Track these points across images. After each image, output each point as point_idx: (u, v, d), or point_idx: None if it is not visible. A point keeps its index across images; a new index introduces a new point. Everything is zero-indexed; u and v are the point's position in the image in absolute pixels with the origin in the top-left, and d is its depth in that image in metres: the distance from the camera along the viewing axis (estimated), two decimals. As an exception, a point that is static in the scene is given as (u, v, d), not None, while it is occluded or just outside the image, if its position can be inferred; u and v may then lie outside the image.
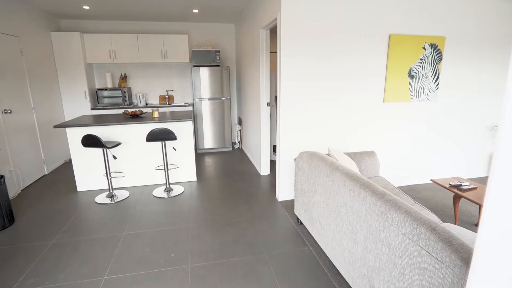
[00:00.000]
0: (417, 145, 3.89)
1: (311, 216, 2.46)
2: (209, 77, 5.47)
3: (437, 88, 3.73)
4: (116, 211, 3.25)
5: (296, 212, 2.84)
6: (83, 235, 2.78)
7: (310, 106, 3.31)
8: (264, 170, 4.40)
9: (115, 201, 3.50)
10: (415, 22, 3.44)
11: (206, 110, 5.61)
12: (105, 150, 3.48)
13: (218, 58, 5.54)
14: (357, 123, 3.54)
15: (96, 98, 5.44)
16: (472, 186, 2.78)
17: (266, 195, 3.66)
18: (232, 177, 4.30)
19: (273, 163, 4.81)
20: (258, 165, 4.51)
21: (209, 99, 5.57)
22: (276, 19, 3.25)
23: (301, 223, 2.93)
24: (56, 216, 3.16)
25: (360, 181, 1.79)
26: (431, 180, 3.02)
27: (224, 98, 5.63)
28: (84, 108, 5.26)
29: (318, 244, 2.58)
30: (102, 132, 3.74)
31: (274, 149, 5.04)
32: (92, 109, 5.30)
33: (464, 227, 2.88)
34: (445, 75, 3.73)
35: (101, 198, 3.57)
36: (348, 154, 2.97)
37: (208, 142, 5.76)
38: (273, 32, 5.86)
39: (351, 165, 2.58)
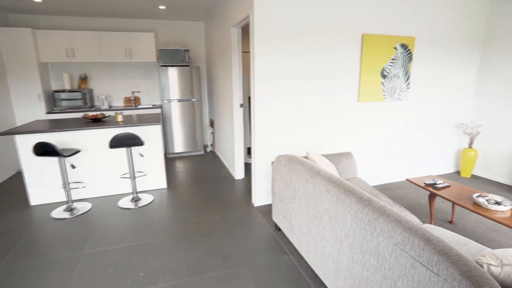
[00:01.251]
0: (390, 144, 3.92)
1: (291, 223, 2.34)
2: (178, 77, 5.20)
3: (408, 87, 3.79)
4: (76, 227, 2.92)
5: (274, 218, 2.71)
6: (35, 257, 2.44)
7: (286, 107, 3.19)
8: (239, 174, 4.23)
9: (75, 215, 3.15)
10: (386, 22, 3.45)
11: (175, 112, 5.33)
12: (61, 159, 3.12)
13: (187, 57, 5.29)
14: (333, 123, 3.49)
15: (52, 100, 4.96)
16: (445, 184, 2.81)
17: (241, 200, 3.49)
18: (205, 183, 4.08)
19: (248, 166, 4.65)
20: (232, 168, 4.33)
21: (179, 100, 5.29)
22: (248, 17, 3.10)
23: (280, 229, 2.80)
24: (3, 236, 2.77)
25: (344, 186, 1.68)
26: (406, 179, 3.03)
27: (194, 100, 5.39)
28: (38, 112, 4.77)
29: (298, 252, 2.46)
30: (58, 138, 3.37)
31: (248, 151, 4.89)
32: (48, 112, 4.82)
33: (439, 225, 2.91)
34: (415, 75, 3.80)
35: (58, 213, 3.20)
36: (326, 156, 2.89)
37: (179, 146, 5.48)
38: (245, 31, 5.71)
39: (331, 168, 2.49)
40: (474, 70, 4.23)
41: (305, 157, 2.61)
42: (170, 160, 5.28)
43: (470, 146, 4.24)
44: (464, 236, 2.72)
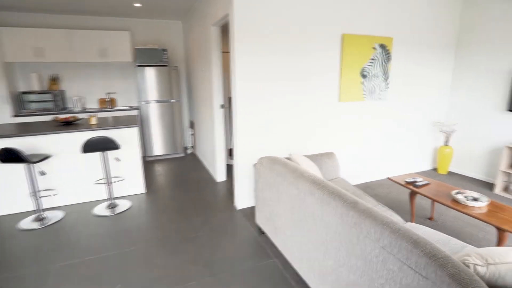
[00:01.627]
0: (371, 144, 3.96)
1: (275, 226, 2.28)
2: (156, 77, 5.04)
3: (388, 87, 3.84)
4: (47, 238, 2.73)
5: (258, 221, 2.65)
6: (1, 273, 2.25)
7: (268, 108, 3.14)
8: (220, 176, 4.14)
9: (46, 224, 2.95)
10: (365, 23, 3.48)
11: (154, 114, 5.16)
12: (29, 165, 2.92)
13: (165, 57, 5.13)
14: (315, 123, 3.47)
15: (20, 103, 4.66)
16: (425, 182, 2.86)
17: (223, 203, 3.41)
18: (186, 186, 3.96)
19: (230, 168, 4.57)
20: (214, 171, 4.23)
21: (157, 101, 5.13)
22: (227, 15, 3.02)
23: (264, 233, 2.75)
24: (-36, 251, 2.54)
25: (328, 189, 1.65)
26: (388, 178, 3.06)
27: (173, 101, 5.24)
28: (3, 115, 4.46)
29: (283, 256, 2.41)
30: (26, 143, 3.14)
31: (230, 153, 4.81)
32: (15, 115, 4.53)
33: (420, 222, 2.96)
34: (394, 75, 3.86)
35: (27, 223, 2.99)
36: (309, 157, 2.86)
37: (158, 148, 5.31)
38: (225, 30, 5.62)
39: (314, 170, 2.46)
40: (449, 69, 4.37)
41: (288, 159, 2.57)
42: (149, 163, 5.10)
43: (446, 144, 4.37)
44: (444, 232, 2.78)
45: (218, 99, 3.84)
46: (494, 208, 2.34)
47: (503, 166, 3.63)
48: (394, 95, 3.94)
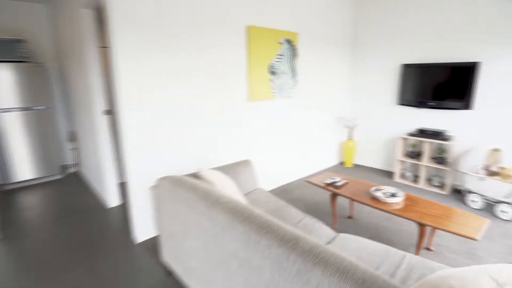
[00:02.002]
0: (284, 144, 3.77)
1: (188, 266, 1.73)
2: (12, 78, 3.74)
3: (296, 84, 3.70)
4: None
5: (165, 259, 2.04)
6: None
7: (166, 114, 2.52)
8: (113, 200, 3.28)
9: None
10: (270, 15, 3.22)
11: (13, 126, 3.83)
12: None
13: (24, 50, 3.86)
14: (225, 128, 3.03)
15: None
16: (344, 181, 2.75)
17: (118, 238, 2.63)
18: (64, 220, 2.97)
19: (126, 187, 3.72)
20: (104, 193, 3.34)
21: (18, 109, 3.82)
22: (100, -8, 2.28)
23: (172, 273, 2.14)
24: None
25: (256, 221, 1.20)
26: (305, 181, 2.85)
27: (41, 108, 4.01)
28: None
29: (201, 301, 1.88)
30: None
31: (120, 169, 3.94)
32: None
33: (341, 222, 2.86)
34: (301, 71, 3.74)
35: None
36: (222, 169, 2.39)
37: (24, 171, 3.98)
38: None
39: (229, 186, 2.00)
40: (349, 67, 4.56)
41: (197, 176, 2.04)
42: (8, 194, 3.76)
43: (350, 138, 4.56)
44: (362, 228, 2.72)
45: (99, 103, 2.99)
46: (410, 202, 2.34)
47: (399, 155, 3.93)
48: (303, 92, 3.84)
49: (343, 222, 2.87)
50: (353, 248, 1.71)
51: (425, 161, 3.66)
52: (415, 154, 3.85)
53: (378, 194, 2.39)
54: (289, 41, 3.46)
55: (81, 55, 3.07)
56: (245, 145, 3.29)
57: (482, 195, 3.10)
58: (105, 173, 3.16)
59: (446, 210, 2.19)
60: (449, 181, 3.56)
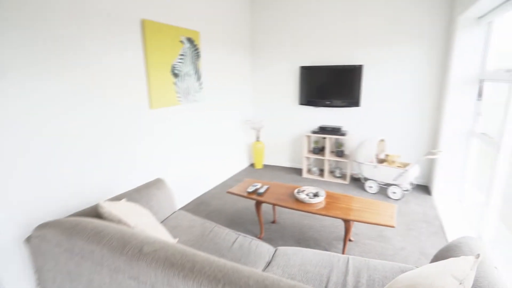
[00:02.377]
0: (194, 152, 3.44)
1: None
2: None
3: (201, 87, 3.41)
4: None
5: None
6: None
7: (47, 132, 1.86)
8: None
9: None
10: (169, 10, 2.83)
11: None
12: None
13: None
14: (126, 145, 2.49)
15: None
16: (266, 187, 2.65)
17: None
18: None
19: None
20: None
21: None
22: None
23: None
24: None
25: (206, 272, 0.90)
26: (227, 192, 2.63)
27: None
28: None
29: None
30: None
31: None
32: None
33: (266, 229, 2.76)
34: (205, 73, 3.47)
35: None
36: (129, 196, 1.90)
37: None
38: None
39: (143, 217, 1.59)
40: (251, 69, 4.54)
41: (98, 212, 1.54)
42: None
43: (257, 140, 4.57)
44: (287, 231, 2.69)
45: None
46: (330, 199, 2.41)
47: (305, 152, 4.15)
48: (209, 95, 3.59)
49: (268, 228, 2.77)
50: (298, 263, 1.58)
51: (327, 156, 3.97)
52: (318, 150, 4.14)
53: (302, 196, 2.38)
54: (190, 40, 3.14)
55: None
56: (153, 160, 2.81)
57: (376, 181, 3.54)
58: None
59: (363, 202, 2.34)
60: (348, 172, 3.96)
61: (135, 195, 1.91)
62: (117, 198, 1.81)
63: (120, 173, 2.46)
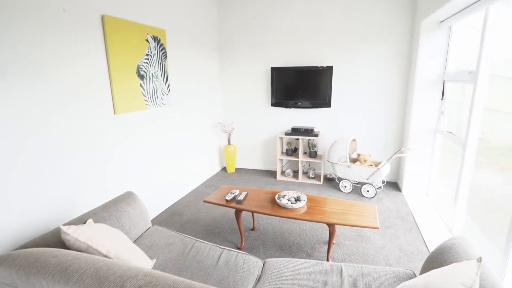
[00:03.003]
0: (164, 159, 3.21)
1: None
2: None
3: (170, 90, 3.20)
4: None
5: None
6: None
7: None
8: None
9: None
10: (133, 5, 2.59)
11: None
12: None
13: None
14: (87, 153, 2.22)
15: None
16: (244, 193, 2.53)
17: None
18: None
19: None
20: None
21: None
22: None
23: None
24: None
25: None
26: (204, 201, 2.47)
27: None
28: None
29: None
30: None
31: None
32: None
33: (246, 236, 2.64)
34: (173, 75, 3.26)
35: None
36: (96, 215, 1.67)
37: None
38: None
39: (116, 239, 1.39)
40: (221, 70, 4.39)
41: (62, 236, 1.32)
42: None
43: (229, 143, 4.43)
44: (269, 238, 2.59)
45: None
46: (312, 203, 2.36)
47: (278, 154, 4.10)
48: (178, 98, 3.38)
49: (248, 236, 2.65)
50: (290, 277, 1.49)
51: (300, 157, 3.95)
52: (292, 151, 4.11)
53: (284, 201, 2.30)
54: (156, 39, 2.92)
55: None
56: (119, 170, 2.55)
57: (350, 180, 3.59)
58: None
59: (344, 204, 2.32)
60: (322, 172, 3.97)
61: (102, 214, 1.68)
62: (81, 219, 1.58)
63: (82, 188, 2.19)
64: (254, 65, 4.23)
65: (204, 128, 4.05)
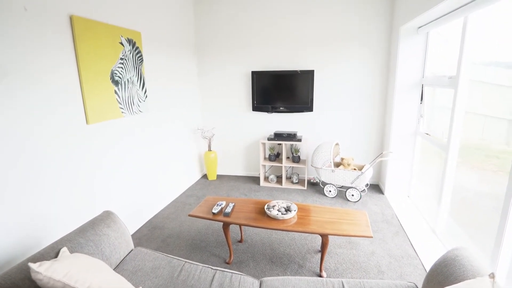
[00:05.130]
0: (141, 170, 3.01)
1: None
2: None
3: (146, 96, 3.01)
4: None
5: None
6: None
7: None
8: None
9: None
10: (105, 5, 2.39)
11: None
12: None
13: None
14: (57, 168, 1.99)
15: None
16: (231, 204, 2.41)
17: None
18: None
19: None
20: None
21: None
22: None
23: None
24: None
25: None
26: (189, 215, 2.32)
27: None
28: None
29: None
30: None
31: None
32: None
33: (233, 249, 2.51)
34: (150, 80, 3.07)
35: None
36: (71, 241, 1.47)
37: None
38: None
39: (98, 269, 1.22)
40: (199, 74, 4.23)
41: (34, 276, 1.13)
42: None
43: (209, 149, 4.27)
44: (257, 250, 2.48)
45: None
46: (303, 212, 2.29)
47: (261, 159, 4.01)
48: (155, 105, 3.19)
49: (236, 249, 2.53)
50: (291, 298, 1.39)
51: (284, 162, 3.89)
52: (275, 157, 4.04)
53: (274, 212, 2.21)
54: (131, 42, 2.72)
55: None
56: (93, 184, 2.33)
57: (334, 185, 3.57)
58: None
59: (335, 212, 2.27)
60: (305, 177, 3.93)
61: (78, 240, 1.49)
62: (54, 248, 1.38)
63: (52, 208, 1.96)
64: (234, 69, 4.11)
65: (183, 134, 3.87)
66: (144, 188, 3.05)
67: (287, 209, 2.28)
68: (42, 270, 1.04)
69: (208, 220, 3.04)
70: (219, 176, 4.47)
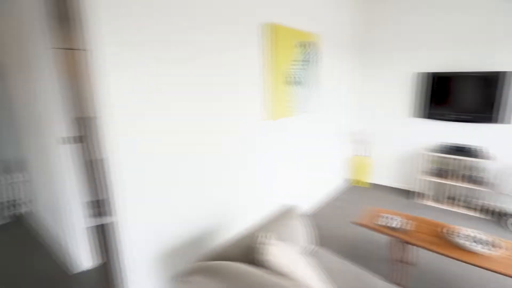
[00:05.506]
0: (299, 167, 3.10)
1: None
2: None
3: (315, 96, 3.07)
4: None
5: None
6: None
7: (173, 150, 1.74)
8: (83, 259, 2.30)
9: None
10: (290, 12, 2.55)
11: None
12: None
13: None
14: (244, 160, 2.28)
15: None
16: (400, 219, 2.14)
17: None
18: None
19: (101, 231, 2.73)
20: (68, 249, 2.35)
21: None
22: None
23: None
24: None
25: None
26: (352, 222, 2.22)
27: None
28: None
29: None
30: None
31: (98, 205, 2.96)
32: None
33: (399, 269, 2.25)
34: (322, 80, 3.12)
35: None
36: (265, 228, 1.61)
37: None
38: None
39: (299, 261, 1.27)
40: (360, 74, 4.02)
41: (259, 257, 1.27)
42: None
43: (364, 154, 4.02)
44: (435, 279, 2.12)
45: (57, 126, 2.05)
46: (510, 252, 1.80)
47: (420, 173, 3.48)
48: (320, 105, 3.22)
49: (403, 271, 2.26)
50: None
51: (455, 180, 3.24)
52: (440, 172, 3.42)
53: (477, 247, 1.80)
54: (311, 44, 2.81)
55: (26, 59, 2.10)
56: (276, 179, 2.58)
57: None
58: (68, 219, 2.20)
59: None
60: (490, 203, 3.17)
61: (273, 227, 1.61)
62: (251, 230, 1.54)
63: (241, 197, 2.26)
64: (395, 71, 3.69)
65: (335, 136, 3.76)
66: (299, 186, 3.14)
67: (487, 243, 1.84)
68: (271, 253, 1.14)
69: (366, 230, 2.85)
70: (371, 184, 4.15)
